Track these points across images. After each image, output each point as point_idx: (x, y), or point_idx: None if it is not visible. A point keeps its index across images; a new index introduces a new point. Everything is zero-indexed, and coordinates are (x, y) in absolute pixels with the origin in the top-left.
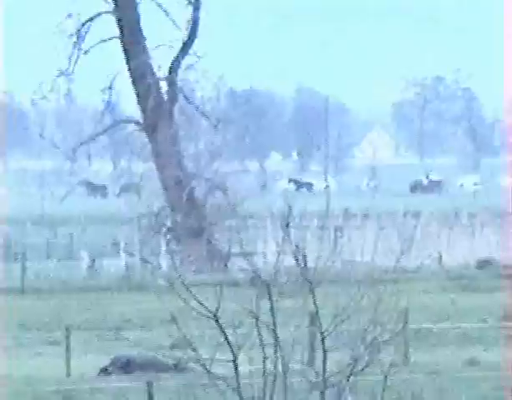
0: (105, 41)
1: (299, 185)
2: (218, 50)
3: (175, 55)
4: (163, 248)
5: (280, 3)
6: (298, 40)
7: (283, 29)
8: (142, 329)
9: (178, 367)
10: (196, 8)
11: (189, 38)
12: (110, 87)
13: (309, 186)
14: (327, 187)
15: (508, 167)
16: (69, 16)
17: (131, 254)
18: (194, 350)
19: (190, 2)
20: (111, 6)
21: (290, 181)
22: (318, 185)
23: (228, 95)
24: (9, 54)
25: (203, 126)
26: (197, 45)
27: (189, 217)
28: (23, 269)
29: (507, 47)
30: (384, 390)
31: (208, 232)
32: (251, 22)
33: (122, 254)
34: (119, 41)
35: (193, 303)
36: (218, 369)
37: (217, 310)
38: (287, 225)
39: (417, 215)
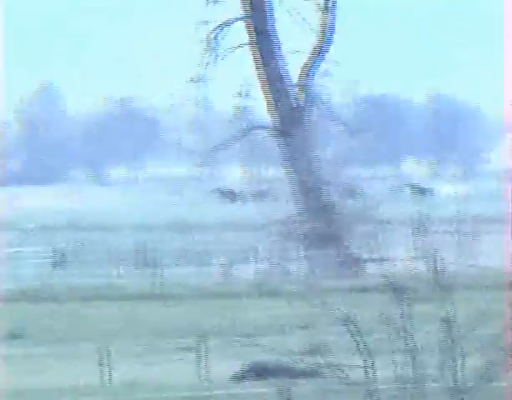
0: (238, 47)
1: (416, 190)
2: (349, 55)
3: (310, 60)
4: (295, 254)
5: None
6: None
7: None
8: (273, 335)
9: (312, 373)
10: (332, 14)
11: (326, 44)
12: (244, 93)
13: (423, 191)
14: (457, 192)
15: None
16: (204, 22)
17: (262, 260)
18: (330, 356)
19: (324, 8)
20: (244, 12)
21: (407, 186)
22: (450, 190)
23: (363, 101)
24: (143, 63)
25: (338, 131)
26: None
27: (322, 222)
28: (155, 275)
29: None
30: None
31: (341, 238)
32: (378, 26)
33: (254, 260)
34: (254, 46)
35: (327, 309)
36: (353, 375)
37: (349, 316)
38: (419, 231)
39: None
